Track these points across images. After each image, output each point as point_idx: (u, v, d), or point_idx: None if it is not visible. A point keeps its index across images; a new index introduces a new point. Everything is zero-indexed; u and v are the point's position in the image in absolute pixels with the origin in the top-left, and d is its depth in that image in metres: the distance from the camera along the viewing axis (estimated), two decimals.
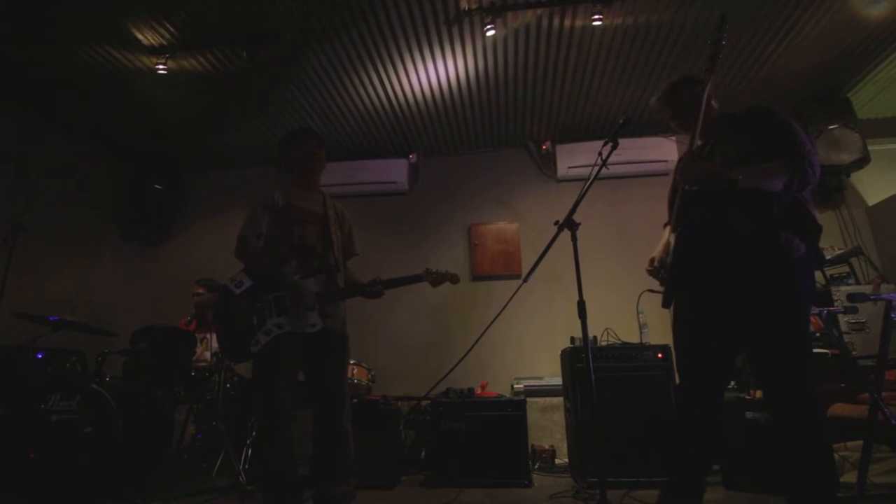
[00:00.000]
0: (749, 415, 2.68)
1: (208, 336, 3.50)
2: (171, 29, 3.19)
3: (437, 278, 2.34)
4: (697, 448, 1.92)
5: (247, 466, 2.95)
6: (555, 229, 2.08)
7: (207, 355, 3.45)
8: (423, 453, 3.45)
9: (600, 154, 1.99)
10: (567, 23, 3.23)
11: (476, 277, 4.51)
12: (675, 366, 2.03)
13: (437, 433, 3.12)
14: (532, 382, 3.92)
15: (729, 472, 2.70)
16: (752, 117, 1.90)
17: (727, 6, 3.10)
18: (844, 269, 3.72)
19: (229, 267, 2.30)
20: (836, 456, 2.48)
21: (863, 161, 3.95)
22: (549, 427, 3.78)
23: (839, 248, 3.78)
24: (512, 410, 3.10)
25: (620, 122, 2.03)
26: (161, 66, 3.39)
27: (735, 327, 1.83)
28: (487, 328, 2.61)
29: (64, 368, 3.18)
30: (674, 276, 1.97)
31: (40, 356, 3.15)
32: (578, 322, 2.06)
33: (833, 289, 3.43)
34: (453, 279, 2.36)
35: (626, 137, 2.25)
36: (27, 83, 3.71)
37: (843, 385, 2.94)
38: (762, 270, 1.75)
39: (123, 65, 3.51)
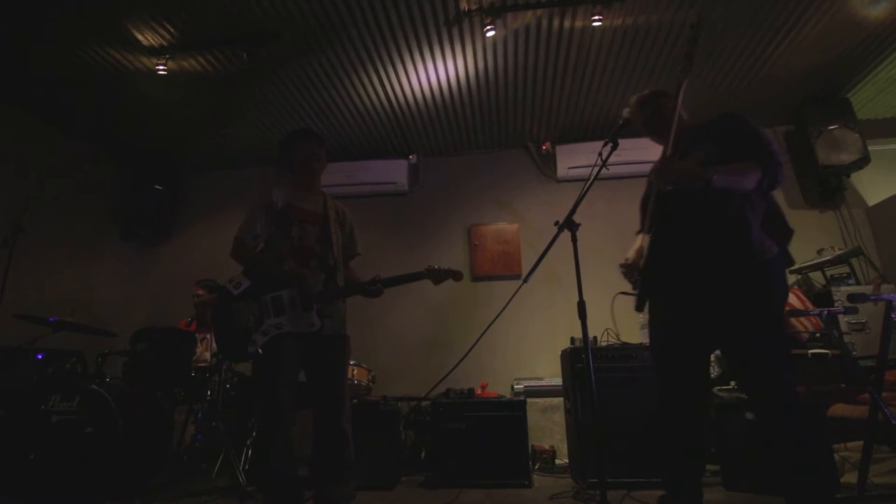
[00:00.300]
0: (749, 415, 2.68)
1: (208, 336, 3.50)
2: (171, 30, 3.20)
3: (438, 275, 2.33)
4: (687, 449, 1.93)
5: (247, 467, 2.95)
6: (555, 230, 2.08)
7: (207, 356, 3.45)
8: (423, 454, 3.45)
9: (600, 154, 2.00)
10: (567, 23, 3.24)
11: (476, 278, 4.51)
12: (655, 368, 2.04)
13: (437, 434, 3.11)
14: (532, 383, 3.92)
15: (729, 473, 2.70)
16: (720, 124, 1.94)
17: (726, 7, 3.10)
18: (845, 269, 3.72)
19: (229, 268, 2.30)
20: (836, 456, 2.49)
21: (863, 161, 3.96)
22: (549, 427, 3.77)
23: (839, 249, 3.77)
24: (512, 411, 3.10)
25: (620, 122, 2.04)
26: (161, 67, 3.39)
27: (710, 327, 1.85)
28: (487, 328, 2.61)
29: (64, 369, 3.18)
30: (648, 278, 1.99)
31: (40, 357, 3.15)
32: (578, 322, 2.06)
33: (833, 289, 3.43)
34: (456, 276, 2.35)
35: (626, 138, 2.24)
36: (27, 83, 3.71)
37: (843, 385, 2.94)
38: (735, 271, 1.77)
39: (123, 65, 3.51)
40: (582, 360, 2.82)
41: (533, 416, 3.57)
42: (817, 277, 3.83)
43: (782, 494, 1.76)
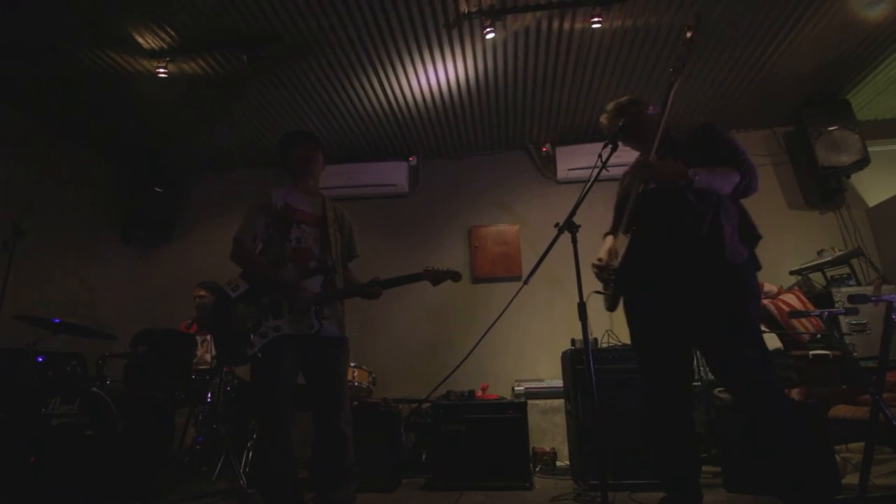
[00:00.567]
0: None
1: (209, 339, 3.49)
2: (172, 32, 3.20)
3: (437, 276, 2.32)
4: (679, 448, 1.94)
5: (247, 469, 2.95)
6: (555, 231, 2.08)
7: (208, 358, 3.45)
8: (423, 456, 3.44)
9: (600, 156, 1.99)
10: (566, 25, 3.24)
11: (476, 279, 4.52)
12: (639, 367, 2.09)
13: (437, 436, 3.11)
14: (533, 384, 3.91)
15: (730, 474, 2.69)
16: (696, 134, 2.01)
17: (726, 8, 3.11)
18: (845, 270, 3.72)
19: (229, 269, 2.30)
20: (837, 458, 2.48)
21: (863, 162, 3.96)
22: (550, 429, 3.77)
23: (840, 250, 3.78)
24: (513, 413, 3.09)
25: (620, 123, 2.03)
26: (162, 70, 3.40)
27: (687, 325, 1.89)
28: (488, 330, 2.61)
29: (64, 372, 3.18)
30: (623, 277, 2.03)
31: (41, 359, 3.15)
32: (579, 324, 2.06)
33: (834, 290, 3.43)
34: (455, 277, 2.34)
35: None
36: (28, 86, 3.72)
37: (844, 387, 2.93)
38: (709, 273, 1.83)
39: (124, 68, 3.52)
40: (583, 361, 2.82)
41: (534, 418, 3.56)
42: (818, 278, 3.83)
43: (778, 494, 1.77)
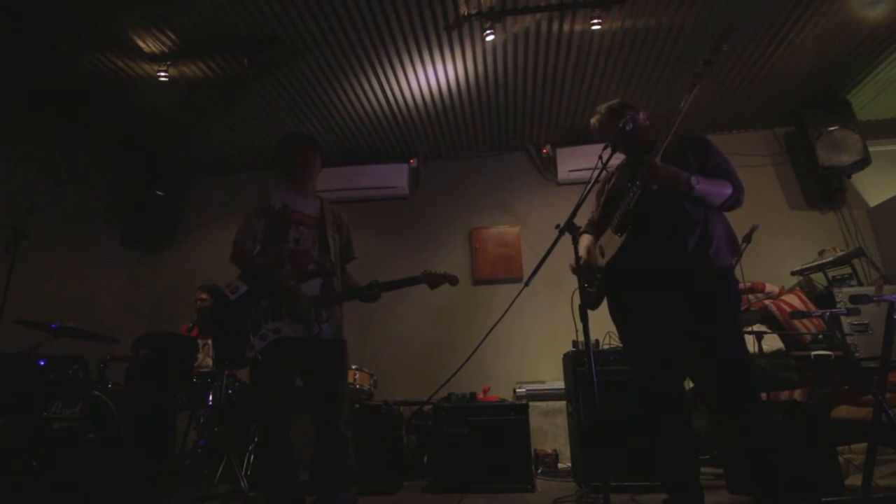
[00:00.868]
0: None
1: (210, 342, 3.49)
2: (172, 36, 3.21)
3: (435, 280, 2.33)
4: (677, 447, 1.95)
5: (249, 472, 2.94)
6: (556, 233, 2.08)
7: (209, 361, 3.45)
8: (425, 458, 3.43)
9: (600, 157, 1.99)
10: (566, 27, 3.25)
11: (477, 281, 4.51)
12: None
13: (439, 438, 3.11)
14: (534, 386, 3.91)
15: (732, 475, 2.68)
16: (688, 144, 2.03)
17: (726, 9, 3.11)
18: (846, 270, 3.71)
19: (230, 272, 2.30)
20: (840, 458, 2.48)
21: (863, 162, 3.96)
22: (551, 431, 3.76)
23: (841, 250, 3.77)
24: (514, 415, 3.09)
25: (620, 124, 2.03)
26: (162, 73, 3.41)
27: (676, 324, 1.92)
28: (489, 332, 2.61)
29: (66, 375, 3.18)
30: (612, 276, 2.06)
31: (42, 363, 3.15)
32: (580, 326, 2.06)
33: (835, 290, 3.42)
34: (452, 280, 2.35)
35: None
36: (29, 89, 3.73)
37: (846, 387, 2.93)
38: (698, 274, 1.88)
39: (125, 72, 3.53)
40: (584, 363, 2.82)
41: (535, 420, 3.56)
42: (819, 279, 3.83)
43: (749, 493, 1.84)
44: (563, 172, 4.50)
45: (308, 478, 2.26)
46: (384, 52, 3.43)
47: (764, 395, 3.04)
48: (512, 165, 4.79)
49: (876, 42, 3.48)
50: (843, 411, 2.74)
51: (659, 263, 1.93)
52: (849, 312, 2.97)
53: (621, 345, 2.22)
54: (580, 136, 4.55)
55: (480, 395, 3.40)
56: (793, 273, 3.91)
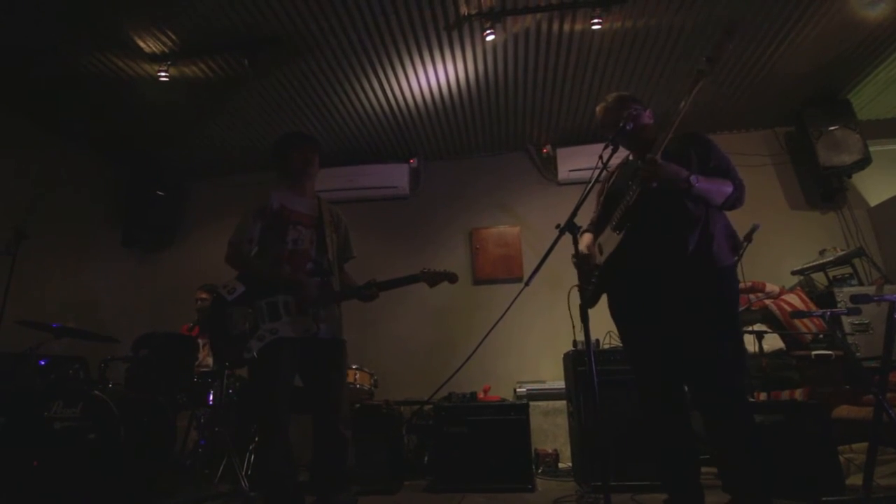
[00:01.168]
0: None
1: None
2: (173, 36, 3.21)
3: (434, 278, 2.32)
4: (677, 447, 1.95)
5: (249, 472, 2.94)
6: (556, 233, 2.08)
7: (210, 360, 3.45)
8: (425, 458, 3.44)
9: (601, 157, 1.99)
10: (566, 27, 3.25)
11: (478, 281, 4.51)
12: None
13: (439, 438, 3.11)
14: (535, 386, 3.91)
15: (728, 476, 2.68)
16: (689, 142, 2.02)
17: (726, 9, 3.11)
18: (847, 270, 3.71)
19: (230, 272, 2.30)
20: (841, 458, 2.48)
21: (864, 162, 3.96)
22: (552, 431, 3.76)
23: (841, 250, 3.77)
24: (515, 414, 3.09)
25: (621, 124, 2.03)
26: (163, 74, 3.41)
27: (676, 327, 1.92)
28: (490, 332, 2.61)
29: (66, 375, 3.18)
30: (610, 273, 2.06)
31: (43, 363, 3.15)
32: (580, 325, 2.06)
33: (836, 290, 3.42)
34: (451, 278, 2.34)
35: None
36: (29, 90, 3.73)
37: (847, 387, 2.92)
38: (698, 272, 1.87)
39: (125, 72, 3.53)
40: (584, 362, 2.82)
41: (536, 420, 3.56)
42: (820, 278, 3.83)
43: (726, 491, 1.85)
44: (563, 172, 4.50)
45: (308, 478, 2.26)
46: (384, 52, 3.43)
47: (764, 395, 3.05)
48: (512, 165, 4.79)
49: (876, 42, 3.48)
50: (843, 411, 2.74)
51: (658, 261, 1.93)
52: (849, 312, 2.96)
53: (621, 344, 2.21)
54: (580, 136, 4.55)
55: (481, 395, 3.40)
56: (793, 273, 3.91)
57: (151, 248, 4.93)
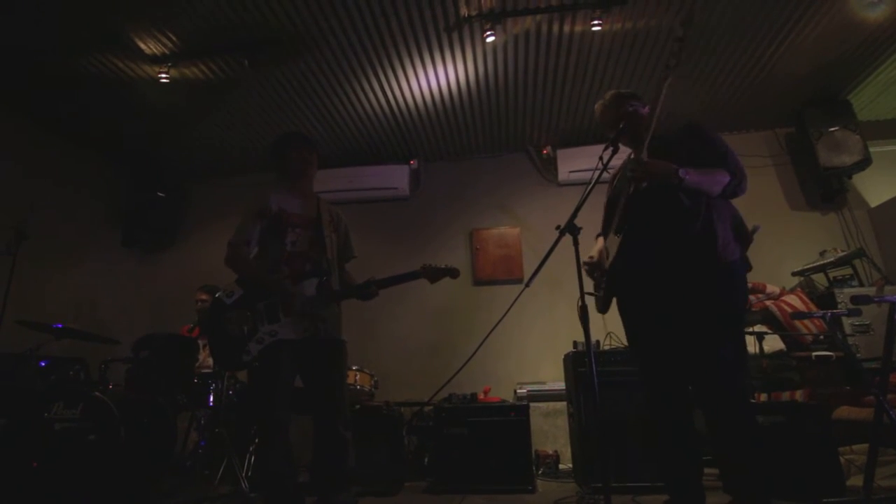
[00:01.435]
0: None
1: None
2: (173, 38, 3.22)
3: (435, 273, 2.31)
4: (681, 449, 1.94)
5: (250, 473, 2.94)
6: (556, 234, 2.08)
7: (210, 362, 3.45)
8: (426, 459, 3.43)
9: (601, 158, 2.00)
10: (567, 28, 3.25)
11: (478, 282, 4.51)
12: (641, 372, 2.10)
13: (440, 439, 3.10)
14: (535, 387, 3.90)
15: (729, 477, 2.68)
16: (685, 134, 2.00)
17: (726, 10, 3.11)
18: (847, 271, 3.71)
19: (231, 273, 2.31)
20: (841, 459, 2.47)
21: (864, 163, 3.96)
22: (552, 432, 3.76)
23: (842, 250, 3.77)
24: (515, 415, 3.08)
25: (621, 125, 2.04)
26: (163, 75, 3.42)
27: (680, 327, 1.89)
28: (490, 333, 2.61)
29: (67, 376, 3.18)
30: (615, 278, 2.04)
31: (43, 364, 3.15)
32: (581, 326, 2.06)
33: (836, 291, 3.42)
34: (453, 274, 2.33)
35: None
36: (30, 91, 3.73)
37: (847, 388, 2.92)
38: (700, 271, 1.84)
39: (126, 73, 3.53)
40: (585, 363, 2.82)
41: (536, 421, 3.55)
42: (820, 279, 3.83)
43: (727, 492, 1.83)
44: (563, 173, 4.50)
45: (308, 479, 2.26)
46: (385, 54, 3.43)
47: (765, 396, 3.04)
48: (512, 166, 4.79)
49: (876, 43, 3.48)
50: (844, 412, 2.74)
51: (655, 261, 1.91)
52: (850, 313, 2.97)
53: (628, 344, 2.20)
54: (581, 138, 4.56)
55: (481, 396, 3.40)
56: (794, 274, 3.91)
57: (152, 249, 4.94)
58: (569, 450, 3.38)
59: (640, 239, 1.95)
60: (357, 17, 3.09)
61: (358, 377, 3.38)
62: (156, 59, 3.38)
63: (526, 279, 2.14)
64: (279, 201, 2.30)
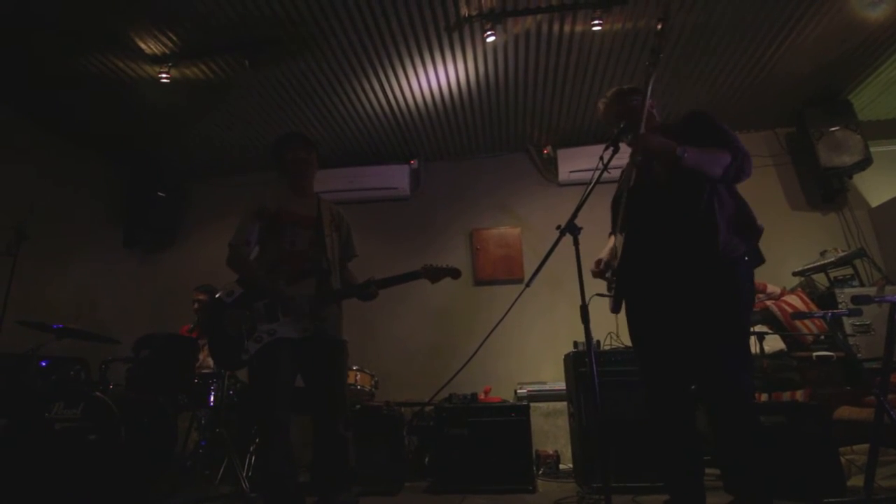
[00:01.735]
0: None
1: None
2: (174, 38, 3.22)
3: (436, 274, 2.30)
4: (682, 449, 1.93)
5: (250, 473, 2.94)
6: (557, 234, 2.08)
7: (210, 362, 3.45)
8: (426, 459, 3.43)
9: (601, 158, 1.99)
10: (567, 28, 3.25)
11: (478, 282, 4.51)
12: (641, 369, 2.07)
13: (440, 439, 3.10)
14: (535, 387, 3.91)
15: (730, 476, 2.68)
16: (686, 122, 1.97)
17: (727, 9, 3.11)
18: (848, 271, 3.70)
19: (231, 274, 2.31)
20: (842, 459, 2.47)
21: (865, 163, 3.95)
22: (553, 432, 3.76)
23: (842, 250, 3.77)
24: (515, 415, 3.09)
25: (621, 125, 2.03)
26: (164, 75, 3.42)
27: (681, 325, 1.87)
28: (490, 333, 2.61)
29: (67, 376, 3.18)
30: (622, 278, 2.02)
31: (44, 364, 3.16)
32: (581, 326, 2.05)
33: (837, 291, 3.42)
34: (454, 274, 2.32)
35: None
36: (31, 91, 3.73)
37: (848, 388, 2.92)
38: (701, 269, 1.80)
39: (127, 74, 3.54)
40: (585, 363, 2.82)
41: (536, 421, 3.55)
42: (821, 279, 3.82)
43: (731, 494, 1.81)
44: (563, 173, 4.50)
45: (309, 478, 2.26)
46: (385, 54, 3.43)
47: (766, 396, 3.04)
48: (513, 166, 4.79)
49: (877, 43, 3.48)
50: (845, 412, 2.74)
51: (658, 258, 1.90)
52: (850, 313, 2.97)
53: (631, 343, 2.16)
54: (581, 137, 4.56)
55: (481, 396, 3.40)
56: (794, 274, 3.91)
57: (152, 249, 4.94)
58: (569, 450, 3.39)
59: (641, 236, 1.94)
60: (357, 17, 3.09)
61: (358, 377, 3.38)
62: (156, 59, 3.39)
63: (526, 279, 2.14)
64: (278, 201, 2.30)
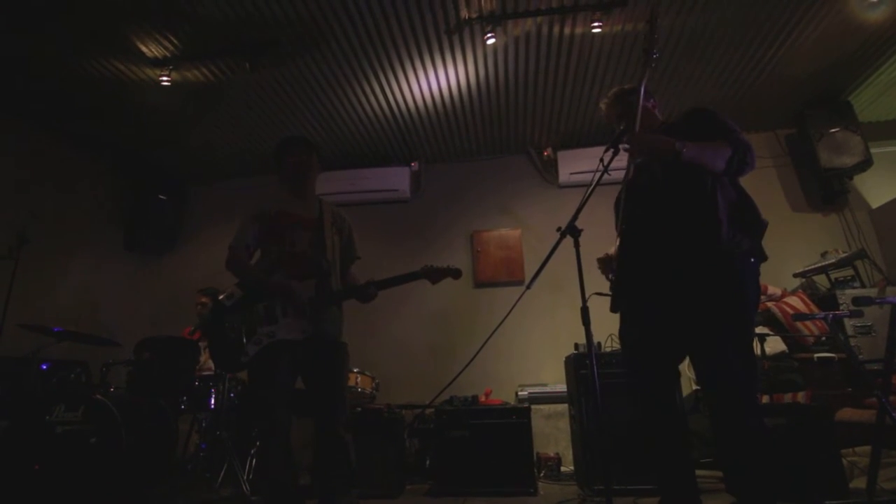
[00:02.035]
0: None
1: None
2: (175, 41, 3.23)
3: (436, 274, 2.28)
4: (671, 450, 1.92)
5: (251, 476, 2.94)
6: (557, 235, 2.08)
7: (211, 364, 3.45)
8: (427, 462, 3.43)
9: (602, 160, 1.99)
10: (567, 30, 3.25)
11: (479, 284, 4.51)
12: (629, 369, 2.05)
13: (441, 441, 3.10)
14: (536, 389, 3.90)
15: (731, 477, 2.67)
16: (687, 118, 1.96)
17: (727, 11, 3.12)
18: (849, 272, 3.70)
19: (232, 277, 2.31)
20: (844, 461, 2.47)
21: (865, 164, 3.96)
22: (554, 434, 3.75)
23: (843, 252, 3.76)
24: (516, 418, 3.08)
25: (621, 127, 2.03)
26: (165, 78, 3.42)
27: (680, 326, 1.83)
28: (491, 335, 2.60)
29: (68, 379, 3.18)
30: (620, 277, 2.00)
31: (45, 367, 3.16)
32: (582, 328, 2.05)
33: (838, 292, 3.41)
34: (454, 274, 2.30)
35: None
36: (32, 95, 3.74)
37: (850, 389, 2.92)
38: (703, 267, 1.77)
39: (128, 77, 3.54)
40: (586, 366, 2.81)
41: (537, 423, 3.55)
42: (821, 281, 3.82)
43: (733, 494, 1.78)
44: (564, 175, 4.51)
45: (310, 481, 2.25)
46: (385, 56, 3.44)
47: (767, 398, 3.04)
48: (513, 168, 4.80)
49: (877, 44, 3.48)
50: (846, 414, 2.73)
51: (657, 256, 1.89)
52: (852, 314, 2.97)
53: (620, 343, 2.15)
54: (581, 139, 4.56)
55: (482, 399, 3.40)
56: (795, 275, 3.90)
57: (153, 252, 4.94)
58: (570, 452, 3.38)
59: (641, 235, 1.92)
60: (358, 20, 3.10)
61: (359, 380, 3.38)
62: (157, 62, 3.39)
63: (527, 281, 2.13)
64: (279, 203, 2.31)
